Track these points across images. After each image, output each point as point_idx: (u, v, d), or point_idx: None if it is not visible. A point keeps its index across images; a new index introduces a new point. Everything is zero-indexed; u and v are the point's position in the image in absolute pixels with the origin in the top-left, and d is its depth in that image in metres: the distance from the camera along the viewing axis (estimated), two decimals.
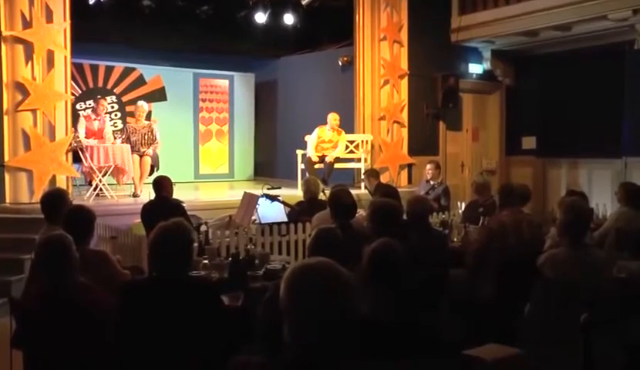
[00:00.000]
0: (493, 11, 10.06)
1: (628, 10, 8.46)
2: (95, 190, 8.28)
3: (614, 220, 5.98)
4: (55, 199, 4.69)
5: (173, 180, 6.62)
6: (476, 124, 11.59)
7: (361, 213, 5.51)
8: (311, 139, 9.75)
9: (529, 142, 11.37)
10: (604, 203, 7.53)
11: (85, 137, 8.64)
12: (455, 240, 5.81)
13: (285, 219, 6.76)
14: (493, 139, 11.72)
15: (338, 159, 9.60)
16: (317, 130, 9.79)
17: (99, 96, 9.93)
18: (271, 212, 6.91)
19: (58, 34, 7.85)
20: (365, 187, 9.05)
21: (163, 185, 6.44)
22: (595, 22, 9.00)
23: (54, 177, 7.85)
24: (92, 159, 8.28)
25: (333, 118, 9.74)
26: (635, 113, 9.63)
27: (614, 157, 9.82)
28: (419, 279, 3.40)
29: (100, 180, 8.30)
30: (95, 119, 8.97)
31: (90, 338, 3.01)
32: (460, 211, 7.16)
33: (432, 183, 8.52)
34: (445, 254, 4.89)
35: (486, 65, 11.25)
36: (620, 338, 3.53)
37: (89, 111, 10.01)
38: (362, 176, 8.96)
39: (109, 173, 8.44)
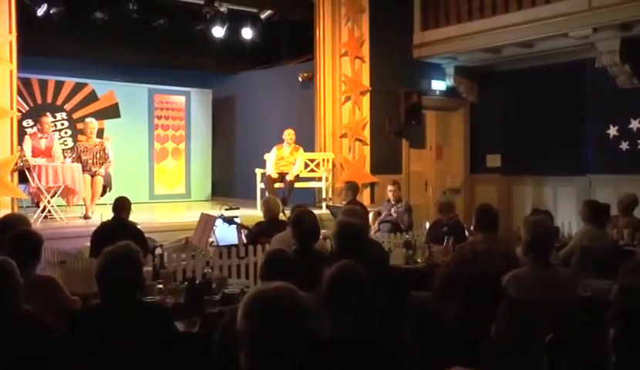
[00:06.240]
0: (455, 27, 10.26)
1: (588, 28, 8.72)
2: (43, 211, 8.11)
3: (579, 238, 6.10)
4: (4, 225, 4.58)
5: None
6: (440, 142, 11.74)
7: (323, 232, 5.54)
8: (270, 158, 9.78)
9: (493, 160, 11.56)
10: (569, 221, 7.67)
11: (32, 156, 8.46)
12: (419, 260, 5.85)
13: (243, 241, 6.72)
14: (457, 157, 11.88)
15: (298, 178, 9.62)
16: (274, 150, 9.83)
17: (47, 113, 9.77)
18: (229, 234, 6.87)
19: (3, 47, 7.68)
20: (327, 207, 9.10)
21: (124, 206, 6.39)
22: (557, 40, 9.25)
23: None
24: (39, 179, 8.12)
25: (288, 134, 9.81)
26: (597, 130, 9.90)
27: (579, 175, 10.05)
28: (379, 299, 3.43)
29: (49, 202, 8.14)
30: (41, 137, 8.79)
31: (36, 367, 2.94)
32: (424, 231, 7.22)
33: (392, 202, 8.65)
34: (385, 265, 4.94)
35: (450, 82, 11.43)
36: (581, 354, 3.59)
37: (35, 128, 9.82)
38: (343, 185, 9.08)
39: (58, 193, 8.29)
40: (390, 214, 8.51)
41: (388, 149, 10.67)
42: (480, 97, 11.68)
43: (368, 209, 9.18)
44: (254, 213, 8.46)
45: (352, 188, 8.75)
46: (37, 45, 9.40)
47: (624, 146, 9.60)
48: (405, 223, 8.34)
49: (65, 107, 11.57)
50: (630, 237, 6.38)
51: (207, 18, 10.66)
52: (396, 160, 10.82)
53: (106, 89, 12.00)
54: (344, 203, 8.39)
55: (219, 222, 6.87)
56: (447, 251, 5.65)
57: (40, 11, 9.70)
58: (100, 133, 10.17)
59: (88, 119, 9.58)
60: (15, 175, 8.00)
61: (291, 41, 11.70)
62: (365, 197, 10.27)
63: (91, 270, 5.50)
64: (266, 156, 9.89)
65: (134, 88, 12.34)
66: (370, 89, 10.42)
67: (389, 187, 8.80)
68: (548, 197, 10.62)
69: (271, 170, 9.58)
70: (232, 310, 2.84)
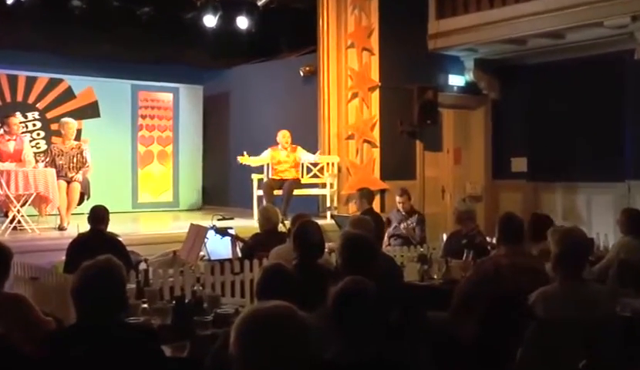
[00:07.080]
0: (475, 15, 10.24)
1: (625, 16, 8.68)
2: (12, 222, 8.13)
3: (616, 251, 6.08)
4: None
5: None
6: (459, 144, 11.73)
7: (328, 245, 5.54)
8: (262, 155, 9.90)
9: (519, 164, 11.54)
10: (605, 233, 7.64)
11: (0, 161, 8.50)
12: (435, 277, 5.84)
13: (238, 255, 6.71)
14: (477, 161, 11.87)
15: (299, 185, 9.62)
16: (269, 150, 9.85)
17: (16, 112, 9.78)
18: (221, 247, 6.87)
19: None
20: (332, 217, 9.09)
21: (101, 217, 6.43)
22: (590, 29, 9.23)
23: None
24: (8, 185, 8.14)
25: (283, 136, 9.89)
26: (637, 131, 9.86)
27: (616, 180, 10.01)
28: (390, 319, 3.42)
29: (18, 211, 8.16)
30: (9, 140, 8.83)
31: None
32: (441, 244, 7.21)
33: (403, 213, 8.64)
34: (397, 281, 4.93)
35: (469, 77, 11.43)
36: None
37: (2, 130, 9.82)
38: (356, 193, 9.10)
39: (29, 202, 8.30)
40: (399, 228, 8.48)
41: (400, 152, 10.66)
42: (503, 94, 11.67)
43: None
44: (250, 224, 8.46)
45: (367, 196, 8.73)
46: (6, 36, 9.46)
47: None
48: (416, 238, 8.31)
49: (37, 106, 11.60)
50: None
51: (198, 5, 10.70)
52: (409, 164, 10.81)
53: (83, 86, 12.03)
54: (359, 212, 8.37)
55: (211, 233, 6.87)
56: (467, 266, 5.64)
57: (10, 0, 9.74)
58: (77, 135, 10.18)
59: (67, 119, 9.61)
60: None
61: (291, 31, 11.72)
62: (374, 206, 10.25)
63: (66, 287, 5.50)
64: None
65: (115, 84, 12.37)
66: (380, 84, 10.41)
67: (398, 198, 8.78)
68: (581, 206, 10.59)
69: (252, 159, 9.74)
70: (225, 332, 2.83)
